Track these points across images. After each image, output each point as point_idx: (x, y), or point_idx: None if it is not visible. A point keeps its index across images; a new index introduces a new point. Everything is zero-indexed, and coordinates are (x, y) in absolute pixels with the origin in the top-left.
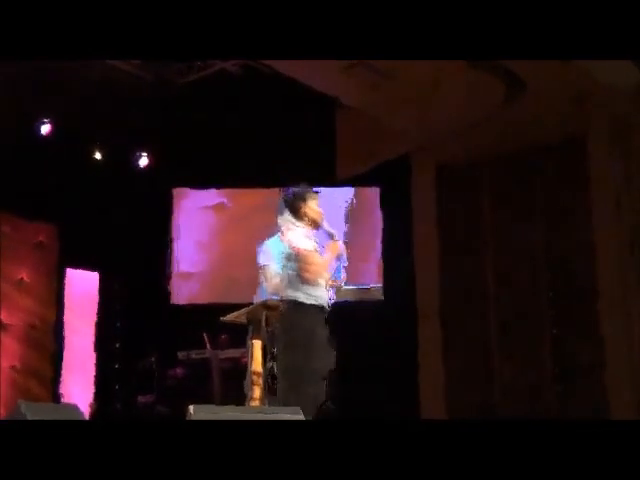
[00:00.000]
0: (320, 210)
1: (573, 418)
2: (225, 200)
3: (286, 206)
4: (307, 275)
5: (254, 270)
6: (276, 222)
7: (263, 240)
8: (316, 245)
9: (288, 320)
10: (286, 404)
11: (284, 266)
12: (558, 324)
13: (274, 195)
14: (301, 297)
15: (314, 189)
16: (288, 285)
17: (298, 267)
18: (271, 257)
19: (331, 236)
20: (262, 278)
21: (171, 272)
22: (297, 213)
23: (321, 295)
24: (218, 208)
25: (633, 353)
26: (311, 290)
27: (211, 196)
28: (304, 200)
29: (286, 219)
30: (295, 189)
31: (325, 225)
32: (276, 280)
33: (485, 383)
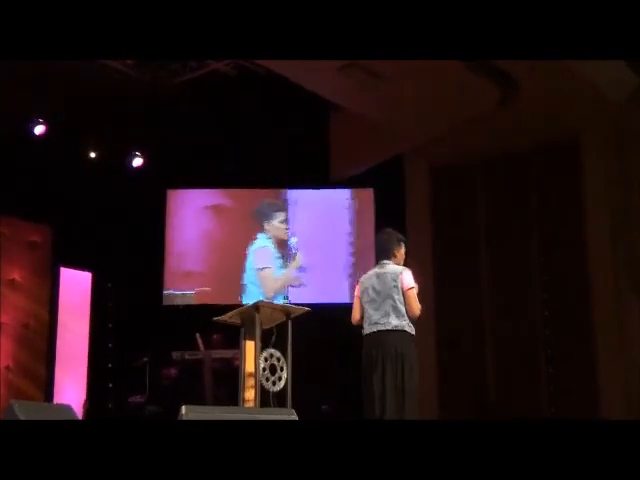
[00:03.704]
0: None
1: (567, 418)
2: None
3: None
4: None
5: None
6: (263, 227)
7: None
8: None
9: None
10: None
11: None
12: (552, 324)
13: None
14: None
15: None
16: (403, 317)
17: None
18: (270, 260)
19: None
20: (259, 280)
21: (164, 271)
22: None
23: None
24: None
25: (625, 351)
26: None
27: (205, 196)
28: None
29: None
30: None
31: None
32: (278, 284)
33: (481, 383)
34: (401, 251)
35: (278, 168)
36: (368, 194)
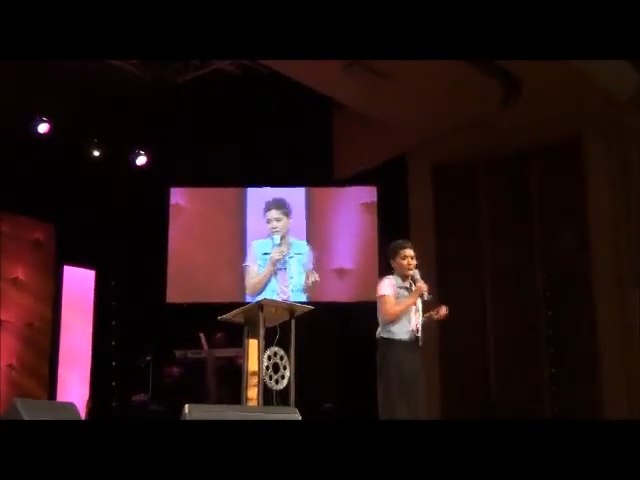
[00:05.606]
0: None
1: (569, 418)
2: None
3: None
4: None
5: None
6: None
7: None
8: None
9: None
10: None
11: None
12: (554, 323)
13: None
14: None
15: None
16: (381, 324)
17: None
18: (253, 258)
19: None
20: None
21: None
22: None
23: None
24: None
25: (628, 350)
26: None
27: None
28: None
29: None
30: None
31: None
32: (253, 281)
33: (482, 382)
34: (397, 260)
35: (281, 166)
36: (371, 192)
